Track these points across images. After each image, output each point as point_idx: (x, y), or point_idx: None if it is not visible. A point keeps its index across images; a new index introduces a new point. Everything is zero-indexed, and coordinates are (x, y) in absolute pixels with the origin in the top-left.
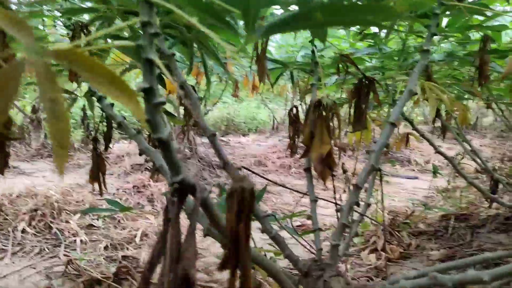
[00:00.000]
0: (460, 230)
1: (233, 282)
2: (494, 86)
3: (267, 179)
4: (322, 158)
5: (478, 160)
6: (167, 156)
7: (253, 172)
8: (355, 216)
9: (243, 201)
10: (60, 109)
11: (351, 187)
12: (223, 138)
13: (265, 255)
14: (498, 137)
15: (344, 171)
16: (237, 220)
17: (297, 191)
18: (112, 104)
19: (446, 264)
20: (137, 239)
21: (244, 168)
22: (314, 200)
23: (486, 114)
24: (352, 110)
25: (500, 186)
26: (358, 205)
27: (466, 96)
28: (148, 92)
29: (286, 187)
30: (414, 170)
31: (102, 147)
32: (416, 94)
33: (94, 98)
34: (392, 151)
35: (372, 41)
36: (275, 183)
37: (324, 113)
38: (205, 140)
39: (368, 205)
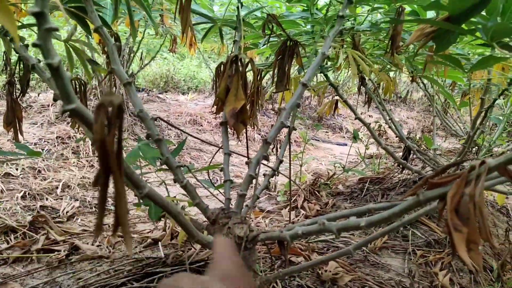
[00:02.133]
0: (374, 191)
1: (103, 198)
2: (418, 60)
3: (182, 131)
4: (236, 112)
5: (400, 131)
6: (58, 84)
7: (180, 130)
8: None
9: (112, 115)
10: None
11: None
12: (160, 95)
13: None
14: (425, 111)
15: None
16: (106, 131)
17: (214, 145)
18: (27, 46)
19: (335, 214)
20: (58, 190)
21: (161, 119)
22: (227, 154)
23: (417, 89)
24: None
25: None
26: (266, 159)
27: (392, 68)
28: (39, 17)
29: (201, 140)
30: (344, 137)
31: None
32: (328, 57)
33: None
34: (325, 118)
35: (305, 5)
36: (192, 136)
37: (241, 69)
38: (139, 94)
39: (280, 161)
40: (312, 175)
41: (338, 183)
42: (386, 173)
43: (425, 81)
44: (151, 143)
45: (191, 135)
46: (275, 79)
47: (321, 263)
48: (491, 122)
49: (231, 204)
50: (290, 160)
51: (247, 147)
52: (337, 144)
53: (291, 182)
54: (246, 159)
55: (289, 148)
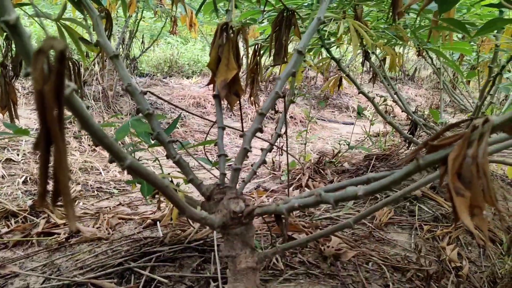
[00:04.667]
0: (380, 168)
1: (45, 162)
2: (423, 34)
3: (174, 105)
4: (227, 83)
5: (406, 106)
6: (17, 44)
7: (179, 107)
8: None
9: (55, 61)
10: None
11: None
12: (163, 79)
13: (172, 181)
14: (433, 88)
15: (276, 112)
16: (46, 80)
17: (209, 120)
18: None
19: (332, 185)
20: None
21: (151, 93)
22: (221, 128)
23: (424, 66)
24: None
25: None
26: (261, 131)
27: (398, 42)
28: None
29: (196, 115)
30: (351, 117)
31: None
32: (324, 23)
33: None
34: (332, 98)
35: None
36: (191, 113)
37: (232, 37)
38: (142, 79)
39: (278, 135)
40: (317, 154)
41: (343, 161)
42: (393, 149)
43: (433, 55)
44: (142, 118)
45: (188, 112)
46: (273, 52)
47: (321, 237)
48: (503, 94)
49: (226, 179)
50: (286, 133)
51: (241, 120)
52: (344, 124)
53: (295, 160)
54: (259, 144)
55: (285, 118)
